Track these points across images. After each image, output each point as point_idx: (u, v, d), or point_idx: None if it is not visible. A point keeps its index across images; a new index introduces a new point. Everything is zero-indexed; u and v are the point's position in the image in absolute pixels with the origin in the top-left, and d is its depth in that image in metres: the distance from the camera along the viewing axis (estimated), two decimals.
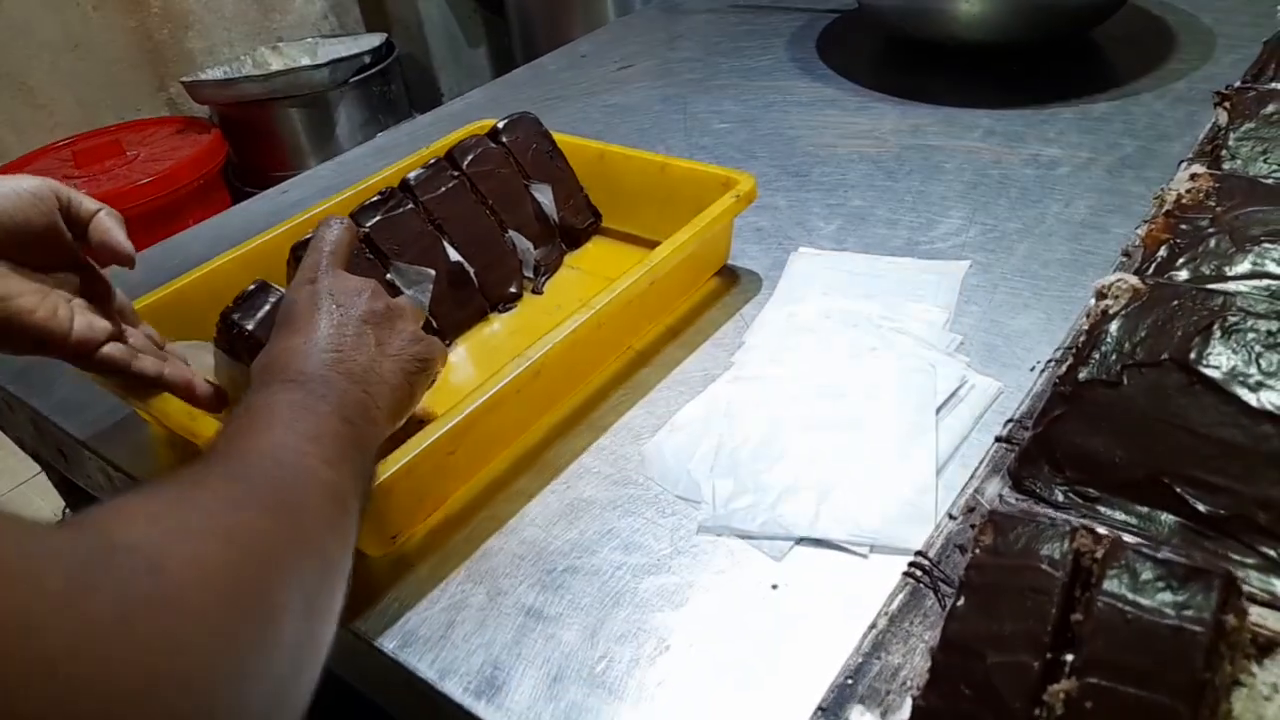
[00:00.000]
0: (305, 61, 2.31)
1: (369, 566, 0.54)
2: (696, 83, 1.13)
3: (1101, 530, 0.37)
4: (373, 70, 2.24)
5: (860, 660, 0.43)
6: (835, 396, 0.62)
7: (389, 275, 0.67)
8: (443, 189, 0.73)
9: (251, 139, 2.18)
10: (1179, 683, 0.33)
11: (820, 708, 0.41)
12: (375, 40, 2.36)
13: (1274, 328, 0.45)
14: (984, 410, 0.60)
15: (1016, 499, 0.50)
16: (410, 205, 0.71)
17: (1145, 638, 0.33)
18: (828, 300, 0.72)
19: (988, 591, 0.37)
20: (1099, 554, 0.35)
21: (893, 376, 0.62)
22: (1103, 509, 0.47)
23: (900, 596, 0.46)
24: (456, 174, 0.75)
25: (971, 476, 0.52)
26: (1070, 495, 0.48)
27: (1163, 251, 0.57)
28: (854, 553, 0.51)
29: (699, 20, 1.33)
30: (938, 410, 0.60)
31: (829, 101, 1.05)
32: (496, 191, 0.76)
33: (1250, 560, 0.43)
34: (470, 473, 0.59)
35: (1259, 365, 0.45)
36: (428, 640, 0.50)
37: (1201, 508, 0.44)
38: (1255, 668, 0.40)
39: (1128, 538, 0.37)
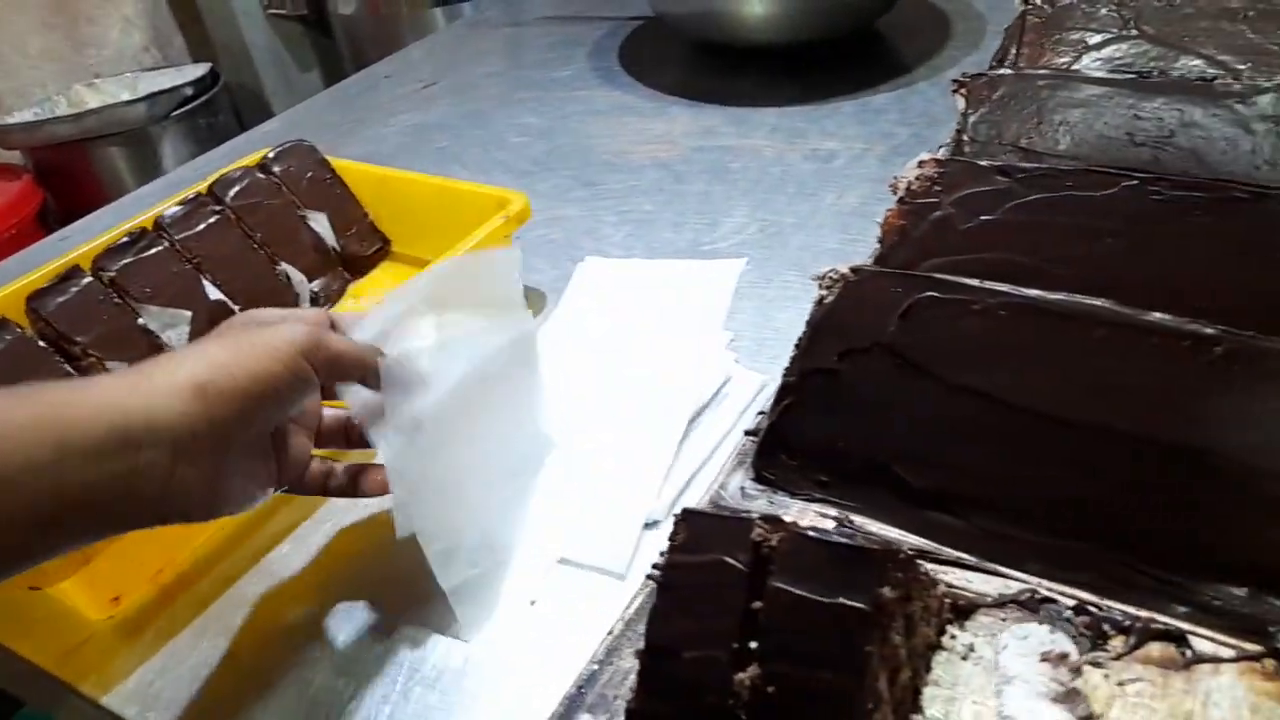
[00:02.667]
0: (125, 97, 2.21)
1: (107, 629, 0.52)
2: (498, 97, 1.13)
3: (791, 518, 0.38)
4: (196, 102, 2.16)
5: (593, 668, 0.43)
6: (598, 409, 0.62)
7: (140, 320, 0.64)
8: (202, 225, 0.70)
9: (69, 182, 2.07)
10: (844, 658, 0.34)
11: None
12: (199, 71, 2.27)
13: (977, 306, 0.47)
14: (747, 405, 0.61)
15: (758, 490, 0.51)
16: (164, 245, 0.68)
17: (812, 619, 0.34)
18: (608, 310, 0.72)
19: (681, 590, 0.37)
20: (774, 542, 0.36)
21: (655, 383, 0.63)
22: (834, 495, 0.49)
23: (639, 600, 0.46)
24: (219, 209, 0.72)
25: (719, 471, 0.53)
26: (805, 483, 0.50)
27: (897, 237, 0.59)
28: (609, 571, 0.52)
29: (504, 35, 1.32)
30: (701, 410, 0.61)
31: (626, 109, 1.06)
32: (266, 224, 0.74)
33: (959, 528, 0.45)
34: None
35: (959, 345, 0.47)
36: (171, 702, 0.48)
37: (916, 484, 0.46)
38: (955, 630, 0.42)
39: (808, 523, 0.38)
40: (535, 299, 0.75)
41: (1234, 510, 0.40)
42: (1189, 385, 0.42)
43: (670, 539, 0.38)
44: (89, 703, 0.48)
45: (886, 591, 0.34)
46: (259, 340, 0.43)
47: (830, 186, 0.85)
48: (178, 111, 2.12)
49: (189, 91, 2.16)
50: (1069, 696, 0.38)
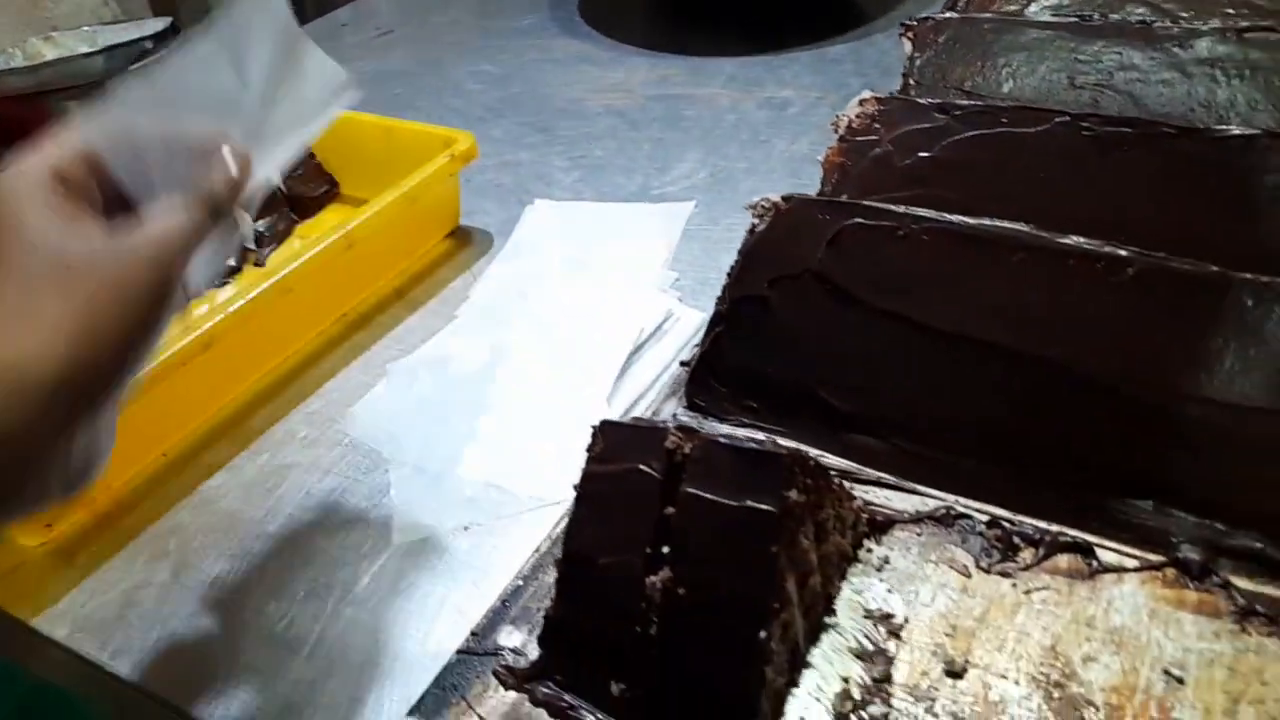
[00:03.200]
0: (83, 50, 2.16)
1: (40, 555, 0.52)
2: (456, 46, 1.12)
3: (707, 428, 0.39)
4: (155, 55, 2.12)
5: (519, 583, 0.44)
6: (539, 343, 0.62)
7: None
8: None
9: (25, 134, 2.03)
10: (751, 560, 0.35)
11: (473, 632, 0.42)
12: (159, 24, 2.22)
13: (901, 232, 0.48)
14: (687, 341, 0.62)
15: (689, 417, 0.51)
16: None
17: (721, 522, 0.35)
18: (555, 250, 0.72)
19: (598, 499, 0.38)
20: (687, 449, 0.37)
21: (595, 319, 0.63)
22: (763, 420, 0.49)
23: (567, 518, 0.47)
24: None
25: (653, 400, 0.54)
26: (735, 409, 0.50)
27: (837, 174, 0.60)
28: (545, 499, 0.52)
29: None
30: (641, 345, 0.61)
31: (585, 58, 1.05)
32: None
33: (881, 449, 0.46)
34: (142, 454, 0.57)
35: (883, 270, 0.47)
36: (102, 623, 0.48)
37: (841, 409, 0.47)
38: (872, 544, 0.43)
39: (723, 431, 0.38)
40: (483, 241, 0.75)
41: (1141, 428, 0.41)
42: (1102, 307, 0.43)
43: (588, 450, 0.39)
44: (21, 626, 0.48)
45: (793, 495, 0.35)
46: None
47: (783, 133, 0.85)
48: (136, 65, 2.08)
49: (149, 45, 2.12)
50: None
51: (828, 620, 0.39)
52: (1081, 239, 0.43)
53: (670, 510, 0.36)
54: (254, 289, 0.58)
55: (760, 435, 0.48)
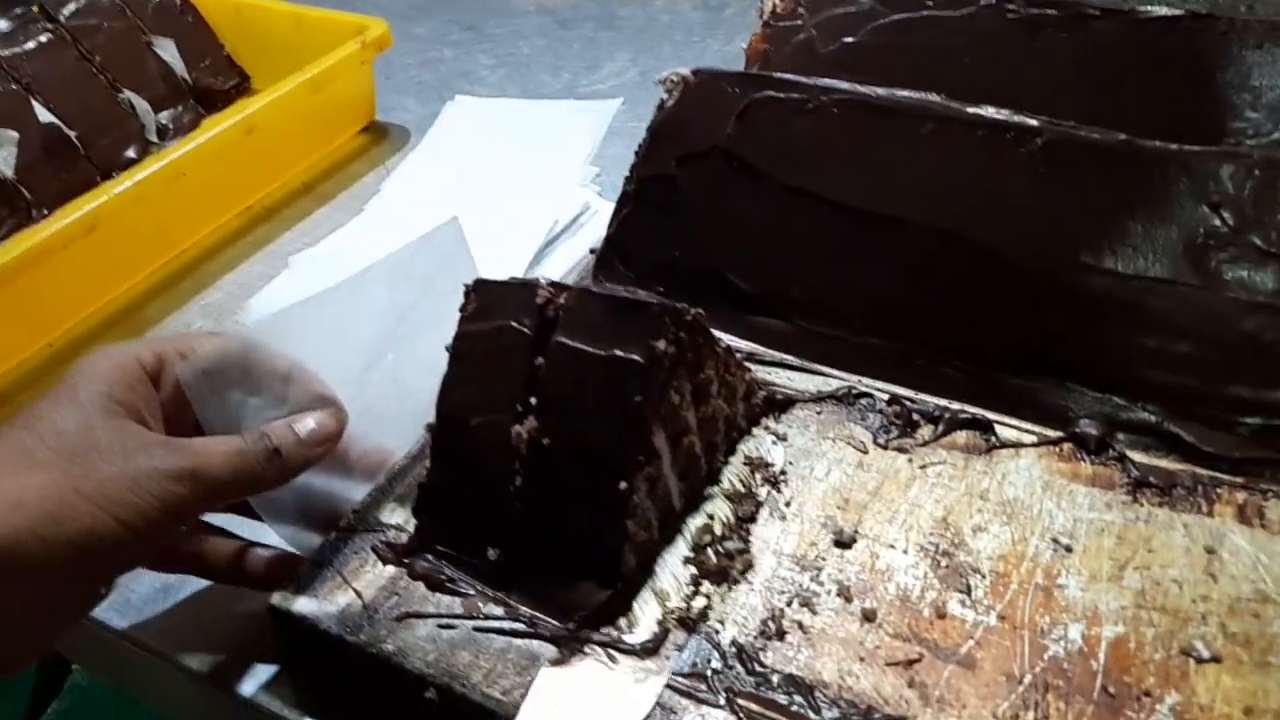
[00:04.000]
0: None
1: None
2: None
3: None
4: None
5: (405, 463, 0.42)
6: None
7: None
8: (31, 44, 0.65)
9: None
10: (618, 410, 0.33)
11: (354, 510, 0.40)
12: None
13: (810, 105, 0.46)
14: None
15: None
16: None
17: (588, 372, 0.34)
18: (473, 146, 0.70)
19: (470, 359, 0.36)
20: (561, 301, 0.35)
21: (511, 211, 0.61)
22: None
23: None
24: (51, 27, 0.67)
25: None
26: (643, 294, 0.48)
27: (761, 61, 0.57)
28: None
29: None
30: (555, 236, 0.59)
31: None
32: (106, 47, 0.69)
33: (786, 331, 0.45)
34: (24, 343, 0.54)
35: (792, 145, 0.45)
36: None
37: (748, 290, 0.46)
38: (771, 422, 0.42)
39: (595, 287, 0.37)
40: (399, 136, 0.72)
41: (1045, 303, 0.40)
42: (1009, 179, 0.41)
43: (460, 310, 0.37)
44: None
45: (661, 345, 0.33)
46: (109, 473, 0.31)
47: (717, 34, 0.82)
48: None
49: None
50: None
51: (710, 490, 0.38)
52: (991, 109, 0.42)
53: (539, 362, 0.34)
54: (140, 172, 0.55)
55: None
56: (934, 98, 0.43)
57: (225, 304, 0.57)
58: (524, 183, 0.64)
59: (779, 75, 0.46)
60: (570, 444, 0.33)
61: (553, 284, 0.36)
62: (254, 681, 0.38)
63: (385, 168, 0.68)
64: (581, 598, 0.34)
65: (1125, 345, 0.39)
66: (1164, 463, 0.38)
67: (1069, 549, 0.35)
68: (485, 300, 0.36)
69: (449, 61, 0.82)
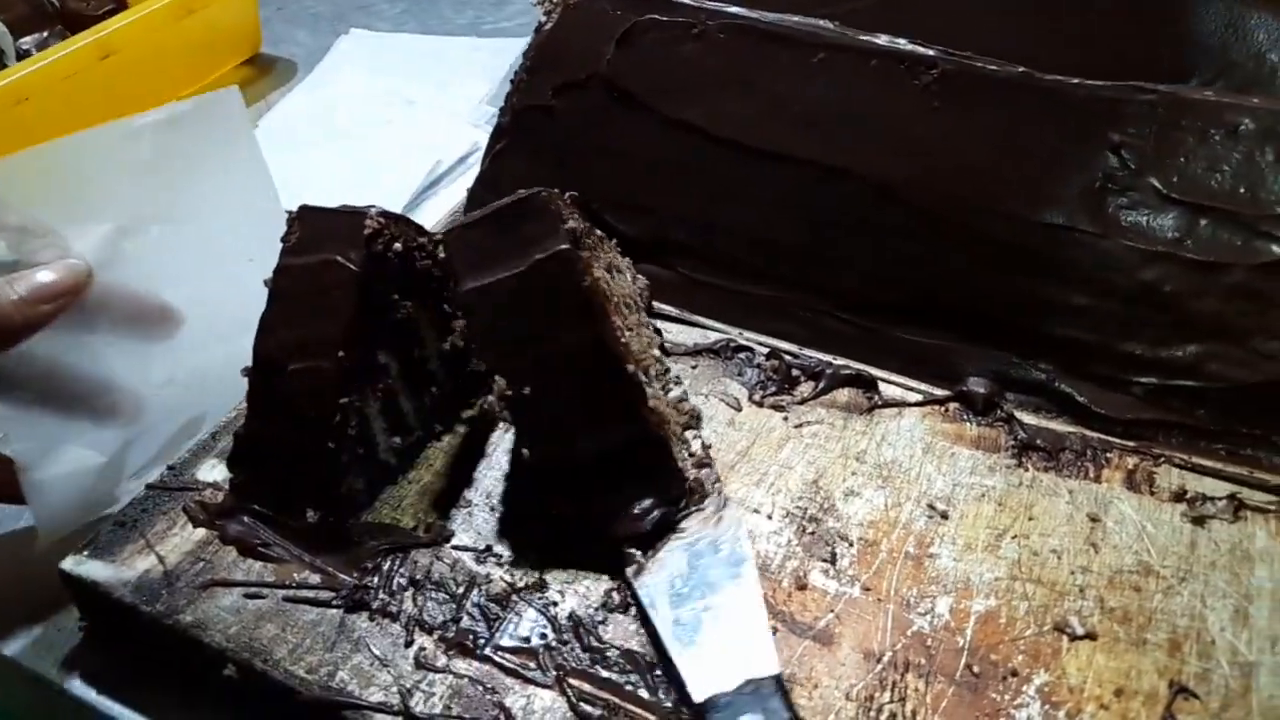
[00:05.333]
0: None
1: None
2: None
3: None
4: None
5: (231, 415, 0.38)
6: (325, 176, 0.55)
7: None
8: None
9: None
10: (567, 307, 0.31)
11: (169, 466, 0.36)
12: None
13: (696, 29, 0.42)
14: None
15: None
16: None
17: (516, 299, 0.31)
18: (362, 82, 0.65)
19: (291, 296, 0.32)
20: (393, 234, 0.31)
21: (392, 151, 0.56)
22: None
23: None
24: None
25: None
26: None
27: None
28: None
29: None
30: (439, 178, 0.55)
31: None
32: None
33: (667, 278, 0.41)
34: None
35: (675, 74, 0.42)
36: None
37: (628, 233, 0.42)
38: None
39: None
40: (286, 69, 0.67)
41: (936, 248, 0.37)
42: (902, 113, 0.38)
43: (282, 240, 0.33)
44: None
45: (571, 224, 0.31)
46: None
47: None
48: None
49: None
50: None
51: None
52: (886, 38, 0.38)
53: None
54: None
55: None
56: (826, 24, 0.39)
57: None
58: (411, 121, 0.59)
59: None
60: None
61: (384, 214, 0.32)
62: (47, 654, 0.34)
63: (266, 102, 0.63)
64: None
65: (1018, 297, 0.36)
66: (1054, 424, 0.35)
67: (945, 516, 0.33)
68: (309, 230, 0.32)
69: None
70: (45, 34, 0.67)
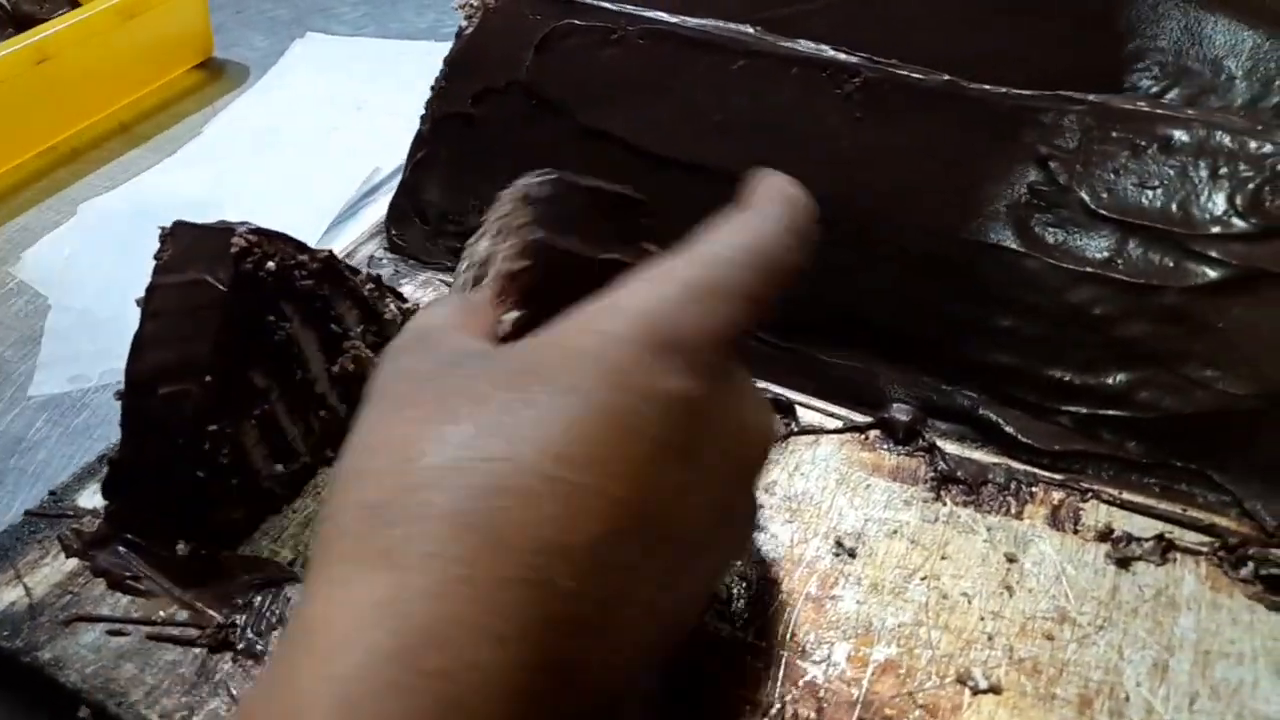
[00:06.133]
0: None
1: None
2: None
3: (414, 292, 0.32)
4: None
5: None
6: (265, 182, 0.54)
7: None
8: None
9: None
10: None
11: (50, 491, 0.34)
12: None
13: (615, 35, 0.40)
14: None
15: (390, 259, 0.44)
16: None
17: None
18: (315, 87, 0.63)
19: (163, 316, 0.31)
20: (260, 255, 0.30)
21: (334, 158, 0.55)
22: None
23: None
24: None
25: (353, 242, 0.46)
26: (437, 249, 0.43)
27: None
28: None
29: None
30: (377, 186, 0.53)
31: None
32: None
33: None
34: None
35: (594, 81, 0.40)
36: None
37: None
38: None
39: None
40: (237, 73, 0.65)
41: (858, 267, 0.35)
42: (825, 122, 0.36)
43: (155, 257, 0.31)
44: None
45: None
46: None
47: None
48: None
49: None
50: None
51: None
52: (809, 44, 0.36)
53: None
54: None
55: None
56: (747, 29, 0.37)
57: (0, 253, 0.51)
58: (356, 126, 0.58)
59: (582, 1, 0.40)
60: None
61: (255, 230, 0.30)
62: None
63: (214, 108, 0.62)
64: None
65: (942, 317, 0.34)
66: (979, 455, 0.33)
67: (853, 554, 0.30)
68: (181, 248, 0.31)
69: None
70: None
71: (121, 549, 0.32)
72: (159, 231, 0.31)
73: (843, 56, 0.35)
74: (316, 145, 0.57)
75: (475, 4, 0.42)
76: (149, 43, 0.62)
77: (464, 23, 0.42)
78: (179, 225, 0.31)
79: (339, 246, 0.48)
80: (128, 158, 0.58)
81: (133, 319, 0.32)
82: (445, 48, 0.67)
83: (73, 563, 0.32)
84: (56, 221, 0.53)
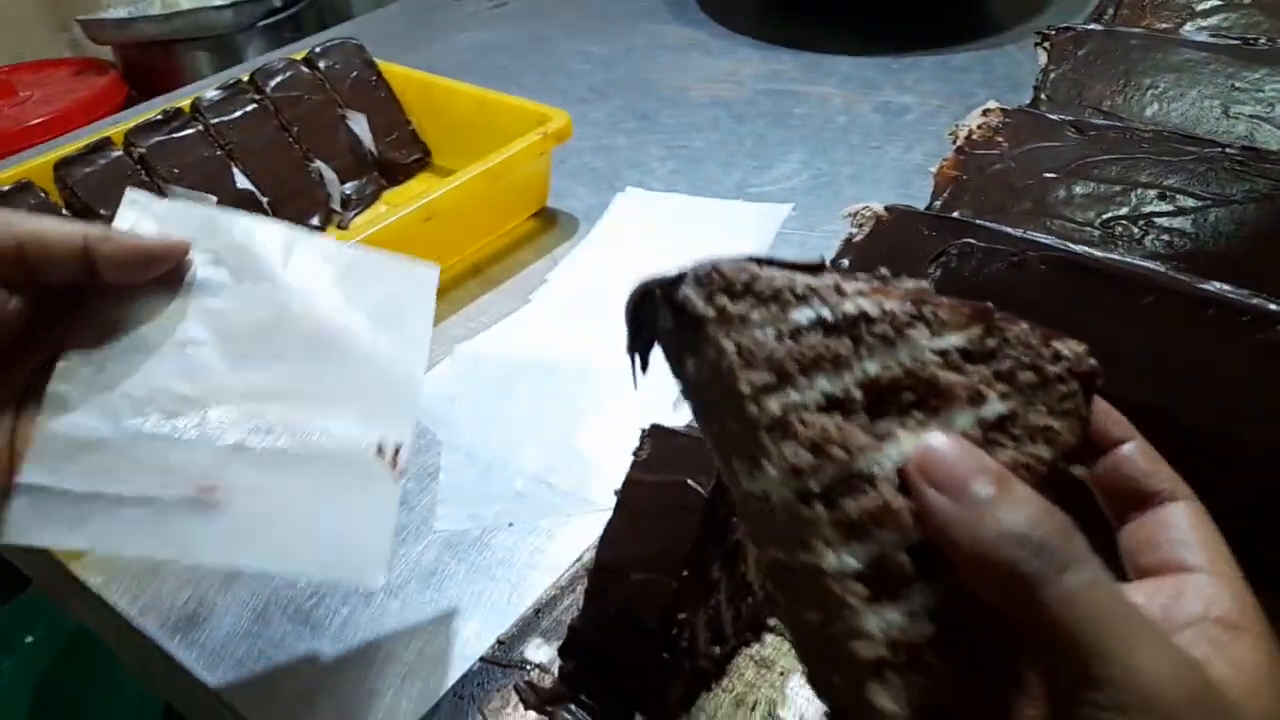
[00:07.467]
0: (215, 2, 2.23)
1: None
2: (567, 24, 1.09)
3: None
4: (284, 14, 2.16)
5: (554, 593, 0.41)
6: (612, 338, 0.59)
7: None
8: (238, 112, 0.69)
9: (154, 81, 2.09)
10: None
11: (499, 640, 0.39)
12: None
13: (1016, 258, 0.43)
14: None
15: None
16: (197, 127, 0.67)
17: None
18: (640, 242, 0.69)
19: (638, 510, 0.35)
20: None
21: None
22: None
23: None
24: (258, 98, 0.71)
25: None
26: None
27: (949, 189, 0.55)
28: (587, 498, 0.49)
29: None
30: None
31: (695, 45, 1.02)
32: (304, 119, 0.72)
33: None
34: None
35: (990, 299, 0.42)
36: (136, 576, 0.47)
37: None
38: None
39: None
40: (568, 224, 0.72)
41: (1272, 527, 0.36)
42: (1241, 366, 0.37)
43: (634, 454, 0.36)
44: (62, 569, 0.48)
45: None
46: None
47: (896, 141, 0.80)
48: (264, 21, 2.13)
49: (277, 2, 2.17)
50: None
51: None
52: (1226, 286, 0.38)
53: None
54: None
55: None
56: (1157, 265, 0.39)
57: None
58: None
59: (980, 222, 0.43)
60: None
61: None
62: None
63: (552, 257, 0.69)
64: None
65: None
66: None
67: None
68: (660, 450, 0.35)
69: (621, 150, 0.82)
70: (364, 180, 0.76)
71: (575, 708, 0.36)
72: (640, 431, 0.36)
73: (1268, 305, 0.37)
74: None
75: (868, 215, 0.46)
76: (504, 197, 0.70)
77: (854, 229, 0.46)
78: (656, 429, 0.36)
79: None
80: (483, 300, 0.65)
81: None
82: (753, 207, 0.72)
83: (532, 714, 0.36)
84: (431, 358, 0.60)
